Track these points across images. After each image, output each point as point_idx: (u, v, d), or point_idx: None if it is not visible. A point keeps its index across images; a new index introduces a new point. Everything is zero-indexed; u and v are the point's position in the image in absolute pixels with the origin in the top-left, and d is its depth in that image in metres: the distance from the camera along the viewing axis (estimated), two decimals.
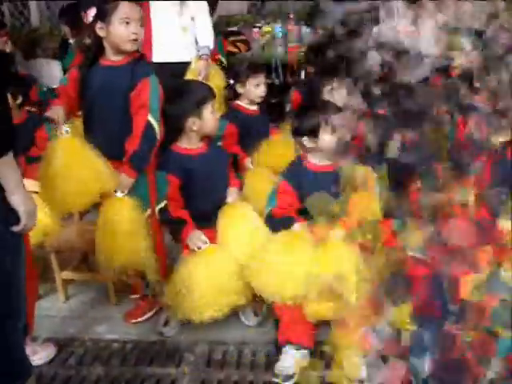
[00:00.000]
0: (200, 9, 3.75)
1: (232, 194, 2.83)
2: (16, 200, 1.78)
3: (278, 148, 3.25)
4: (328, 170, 2.66)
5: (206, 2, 3.75)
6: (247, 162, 3.28)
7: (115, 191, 2.59)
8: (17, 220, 1.80)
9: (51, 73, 5.65)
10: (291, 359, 2.43)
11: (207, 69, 3.55)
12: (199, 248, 2.58)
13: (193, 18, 3.73)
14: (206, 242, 2.59)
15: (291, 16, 5.39)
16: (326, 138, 2.60)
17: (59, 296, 3.12)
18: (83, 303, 3.10)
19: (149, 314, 2.90)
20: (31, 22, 6.12)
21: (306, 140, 2.65)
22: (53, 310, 3.05)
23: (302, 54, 4.67)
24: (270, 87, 5.05)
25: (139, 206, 2.62)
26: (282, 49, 5.23)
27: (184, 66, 3.60)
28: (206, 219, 2.72)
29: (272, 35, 5.29)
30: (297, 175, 2.69)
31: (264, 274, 2.40)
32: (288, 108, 4.21)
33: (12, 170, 1.76)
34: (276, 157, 3.21)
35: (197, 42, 3.69)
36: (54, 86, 4.80)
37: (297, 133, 2.72)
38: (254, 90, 3.38)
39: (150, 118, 2.56)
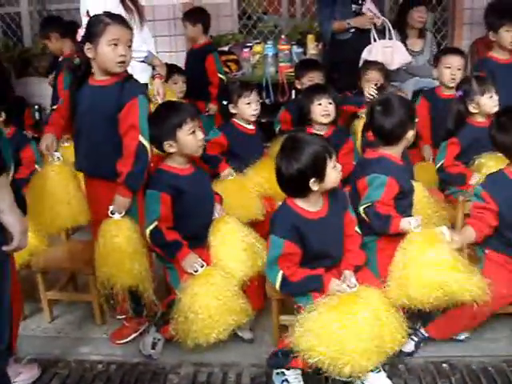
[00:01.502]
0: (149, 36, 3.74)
1: (218, 211, 2.81)
2: (10, 220, 1.78)
3: (266, 170, 3.23)
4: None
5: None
6: (226, 171, 3.25)
7: (112, 213, 2.61)
8: (5, 240, 1.80)
9: (42, 91, 5.68)
10: None
11: (163, 87, 3.53)
12: (196, 271, 2.55)
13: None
14: (203, 266, 2.56)
15: (282, 36, 5.44)
16: None
17: (45, 316, 3.10)
18: (69, 323, 3.08)
19: (134, 335, 2.89)
20: (24, 41, 6.15)
21: None
22: (38, 330, 3.04)
23: (293, 73, 4.68)
24: (261, 107, 5.12)
25: (136, 226, 2.65)
26: (272, 68, 5.25)
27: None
28: (197, 239, 2.71)
29: (263, 55, 5.32)
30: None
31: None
32: (278, 128, 4.22)
33: (5, 190, 1.76)
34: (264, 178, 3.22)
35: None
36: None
37: None
38: (246, 109, 3.37)
39: (141, 139, 2.58)
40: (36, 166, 3.91)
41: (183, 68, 4.72)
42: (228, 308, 2.48)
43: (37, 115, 5.70)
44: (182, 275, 2.63)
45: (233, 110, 3.42)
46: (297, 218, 2.41)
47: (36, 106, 5.67)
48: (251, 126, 3.47)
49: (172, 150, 2.66)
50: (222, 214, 2.80)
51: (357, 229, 2.60)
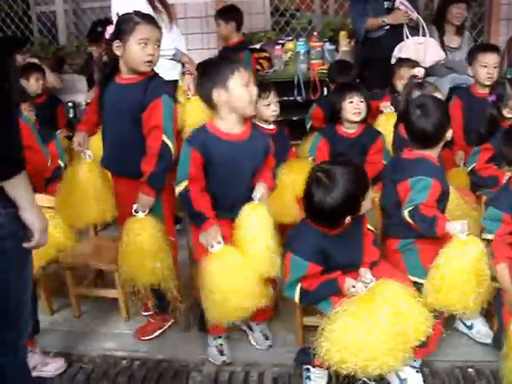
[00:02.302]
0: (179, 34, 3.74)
1: (259, 190, 2.52)
2: (29, 217, 1.79)
3: (297, 170, 3.17)
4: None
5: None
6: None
7: (136, 211, 2.62)
8: (27, 237, 1.82)
9: (77, 88, 5.76)
10: None
11: (193, 82, 3.50)
12: (212, 246, 2.42)
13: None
14: (220, 242, 2.43)
15: (314, 33, 5.40)
16: None
17: (72, 311, 3.14)
18: (95, 319, 3.11)
19: (159, 331, 2.91)
20: (59, 39, 6.23)
21: None
22: (65, 324, 3.08)
23: (325, 70, 4.64)
24: (293, 104, 5.11)
25: (160, 225, 2.66)
26: (304, 66, 5.20)
27: (175, 83, 3.54)
28: (227, 209, 2.53)
29: (295, 52, 5.28)
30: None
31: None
32: (309, 124, 4.19)
33: (25, 187, 1.77)
34: (296, 178, 3.13)
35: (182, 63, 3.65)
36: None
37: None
38: (265, 110, 3.32)
39: (165, 139, 2.58)
40: (60, 162, 3.98)
41: None
42: (244, 291, 2.40)
43: (71, 112, 5.76)
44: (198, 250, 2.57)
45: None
46: (320, 238, 2.35)
47: (70, 104, 5.74)
48: (272, 126, 3.40)
49: (221, 99, 2.45)
50: (259, 198, 2.50)
51: (369, 226, 2.55)
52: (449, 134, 2.62)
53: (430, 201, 2.49)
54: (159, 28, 2.68)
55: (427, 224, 2.44)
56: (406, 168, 2.61)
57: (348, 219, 2.29)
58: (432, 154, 2.63)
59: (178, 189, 2.49)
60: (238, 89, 2.44)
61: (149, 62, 2.61)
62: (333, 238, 2.36)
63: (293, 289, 2.35)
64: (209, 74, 2.50)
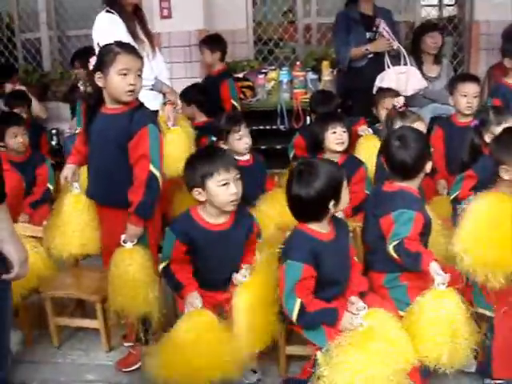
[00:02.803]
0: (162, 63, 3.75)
1: (241, 274, 2.54)
2: (10, 249, 1.78)
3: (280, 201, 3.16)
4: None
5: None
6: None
7: (124, 242, 2.62)
8: (6, 268, 1.80)
9: (60, 116, 5.76)
10: None
11: (173, 113, 3.50)
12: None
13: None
14: (197, 306, 2.45)
15: (297, 62, 5.46)
16: None
17: (52, 341, 3.09)
18: (76, 349, 3.07)
19: (140, 363, 2.85)
20: (43, 66, 6.25)
21: None
22: (45, 355, 3.02)
23: (308, 100, 4.68)
24: (276, 133, 5.14)
25: (149, 254, 2.66)
26: (287, 95, 5.26)
27: (156, 113, 3.45)
28: (211, 286, 2.62)
29: (278, 81, 5.33)
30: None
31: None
32: (292, 153, 4.21)
33: (6, 219, 1.77)
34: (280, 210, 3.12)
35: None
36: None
37: None
38: (238, 144, 3.30)
39: (152, 168, 2.59)
40: (49, 185, 3.98)
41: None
42: (210, 360, 2.32)
43: (55, 139, 5.75)
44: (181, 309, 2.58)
45: (224, 146, 3.27)
46: (313, 241, 2.41)
47: (54, 131, 5.73)
48: (246, 157, 3.38)
49: (201, 198, 2.54)
50: (240, 280, 2.53)
51: (355, 258, 2.59)
52: (428, 166, 2.62)
53: (414, 234, 2.48)
54: (140, 57, 2.69)
55: (412, 259, 2.43)
56: (387, 201, 2.62)
57: (333, 206, 2.36)
58: (412, 185, 2.63)
59: (162, 265, 2.60)
60: (215, 189, 2.49)
61: (130, 91, 2.62)
62: (325, 243, 2.42)
63: (292, 301, 2.33)
64: (189, 169, 2.57)
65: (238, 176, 2.55)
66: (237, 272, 2.56)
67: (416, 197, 2.62)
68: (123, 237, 2.62)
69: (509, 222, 2.34)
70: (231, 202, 2.51)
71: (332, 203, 2.35)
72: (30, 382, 2.77)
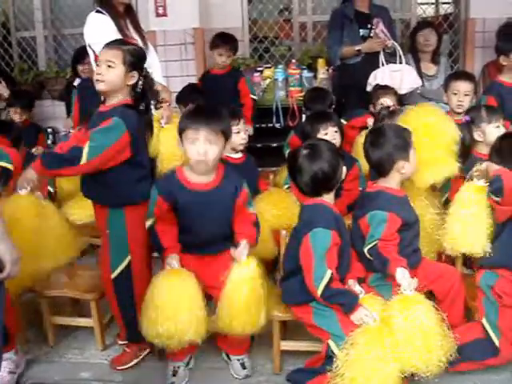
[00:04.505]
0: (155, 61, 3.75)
1: (239, 250, 2.54)
2: (1, 249, 1.79)
3: (274, 201, 3.18)
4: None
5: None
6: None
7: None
8: None
9: (56, 114, 5.76)
10: None
11: (167, 111, 3.47)
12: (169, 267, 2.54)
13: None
14: (175, 266, 2.52)
15: (293, 60, 5.47)
16: None
17: (48, 340, 3.09)
18: (71, 348, 3.07)
19: (135, 361, 2.88)
20: (39, 64, 6.23)
21: None
22: (41, 354, 3.03)
23: (303, 97, 4.69)
24: (271, 131, 5.14)
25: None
26: (283, 93, 5.26)
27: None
28: (197, 248, 2.62)
29: (273, 79, 5.34)
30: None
31: None
32: (287, 152, 4.21)
33: None
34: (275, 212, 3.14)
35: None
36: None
37: None
38: (234, 137, 3.24)
39: (87, 143, 2.51)
40: (49, 188, 3.96)
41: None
42: (184, 315, 2.44)
43: (50, 138, 5.75)
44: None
45: None
46: (332, 211, 2.54)
47: (49, 130, 5.73)
48: (239, 155, 3.38)
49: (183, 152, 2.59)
50: (240, 257, 2.52)
51: None
52: (401, 166, 2.61)
53: (388, 234, 2.52)
54: (115, 49, 2.65)
55: (380, 263, 2.51)
56: (366, 202, 2.66)
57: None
58: (390, 184, 2.65)
59: (148, 222, 2.62)
60: (186, 145, 2.52)
61: (97, 80, 2.63)
62: (338, 216, 2.55)
63: (323, 269, 2.37)
64: (180, 120, 2.60)
65: (213, 140, 2.48)
66: (226, 240, 2.62)
67: (395, 196, 2.64)
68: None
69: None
70: (197, 161, 2.50)
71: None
72: (24, 381, 2.78)
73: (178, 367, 2.72)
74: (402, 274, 2.39)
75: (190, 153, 2.50)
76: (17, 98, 5.01)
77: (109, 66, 2.61)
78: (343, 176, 2.57)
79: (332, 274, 2.38)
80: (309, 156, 2.51)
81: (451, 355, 2.32)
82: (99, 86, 2.64)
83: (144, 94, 2.73)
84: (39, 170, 2.54)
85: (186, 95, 4.45)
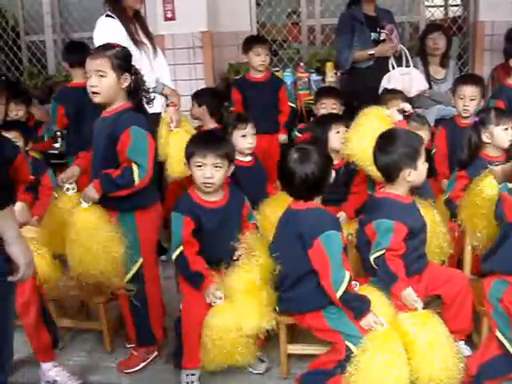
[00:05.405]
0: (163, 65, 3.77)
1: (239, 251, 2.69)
2: (15, 251, 1.80)
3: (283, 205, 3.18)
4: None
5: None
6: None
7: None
8: (11, 270, 1.81)
9: None
10: None
11: (176, 114, 3.48)
12: (215, 303, 2.57)
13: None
14: (221, 298, 2.56)
15: (301, 64, 5.46)
16: None
17: None
18: (79, 351, 3.08)
19: (142, 364, 2.88)
20: (48, 68, 6.26)
21: None
22: None
23: (312, 101, 4.68)
24: None
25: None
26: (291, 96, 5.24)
27: (157, 116, 3.49)
28: (216, 263, 2.67)
29: None
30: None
31: None
32: None
33: (11, 221, 1.78)
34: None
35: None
36: None
37: None
38: (241, 141, 3.29)
39: (134, 166, 2.59)
40: (54, 193, 3.94)
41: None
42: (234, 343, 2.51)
43: (59, 141, 5.76)
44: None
45: None
46: (333, 215, 2.64)
47: (58, 133, 5.74)
48: (249, 158, 3.37)
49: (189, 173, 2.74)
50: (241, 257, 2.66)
51: None
52: (407, 174, 2.57)
53: (395, 243, 2.51)
54: (101, 57, 2.63)
55: (387, 277, 2.50)
56: (373, 208, 2.66)
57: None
58: (397, 192, 2.63)
59: (175, 254, 2.67)
60: (193, 169, 2.68)
61: (92, 92, 2.64)
62: (337, 219, 2.70)
63: (343, 274, 2.40)
64: (187, 145, 2.75)
65: (219, 164, 2.65)
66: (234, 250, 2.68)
67: (401, 204, 2.62)
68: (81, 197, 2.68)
69: None
70: (204, 184, 2.65)
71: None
72: (33, 382, 2.77)
73: (192, 382, 2.70)
74: (410, 294, 2.46)
75: (197, 176, 2.65)
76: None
77: (100, 76, 2.61)
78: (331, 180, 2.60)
79: (351, 275, 2.41)
80: (299, 160, 2.52)
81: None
82: (96, 99, 2.66)
83: (136, 93, 2.74)
84: (99, 190, 2.64)
85: (202, 95, 4.37)
